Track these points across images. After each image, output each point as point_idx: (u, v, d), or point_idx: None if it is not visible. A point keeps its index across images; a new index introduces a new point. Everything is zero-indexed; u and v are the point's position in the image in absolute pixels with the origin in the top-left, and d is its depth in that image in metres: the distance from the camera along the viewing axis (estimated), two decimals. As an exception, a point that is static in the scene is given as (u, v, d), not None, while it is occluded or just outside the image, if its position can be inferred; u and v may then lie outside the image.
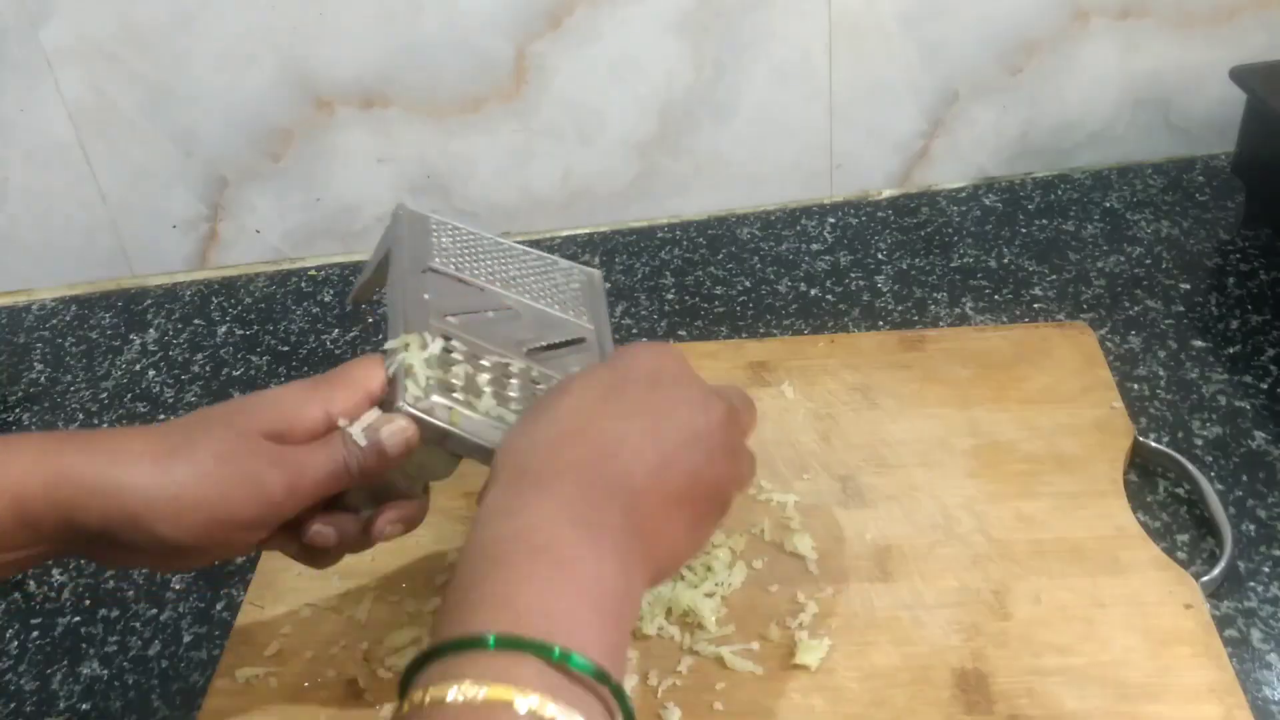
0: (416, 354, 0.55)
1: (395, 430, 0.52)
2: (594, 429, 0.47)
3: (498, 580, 0.41)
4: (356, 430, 0.52)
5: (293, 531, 0.54)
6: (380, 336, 0.92)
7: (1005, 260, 0.90)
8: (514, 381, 0.56)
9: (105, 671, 0.67)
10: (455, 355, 0.56)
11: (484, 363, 0.56)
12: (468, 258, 0.63)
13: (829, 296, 0.89)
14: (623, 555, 0.43)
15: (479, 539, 0.43)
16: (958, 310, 0.85)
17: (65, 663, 0.68)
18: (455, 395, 0.54)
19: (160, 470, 0.48)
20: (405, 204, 0.65)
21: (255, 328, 0.95)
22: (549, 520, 0.43)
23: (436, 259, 0.61)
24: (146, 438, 0.50)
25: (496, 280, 0.62)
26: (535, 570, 0.41)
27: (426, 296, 0.58)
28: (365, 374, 0.54)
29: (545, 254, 0.66)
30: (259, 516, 0.50)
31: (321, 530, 0.53)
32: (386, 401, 0.53)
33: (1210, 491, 0.66)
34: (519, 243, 0.66)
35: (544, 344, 0.60)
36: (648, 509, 0.45)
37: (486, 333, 0.59)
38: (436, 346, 0.55)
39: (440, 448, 0.54)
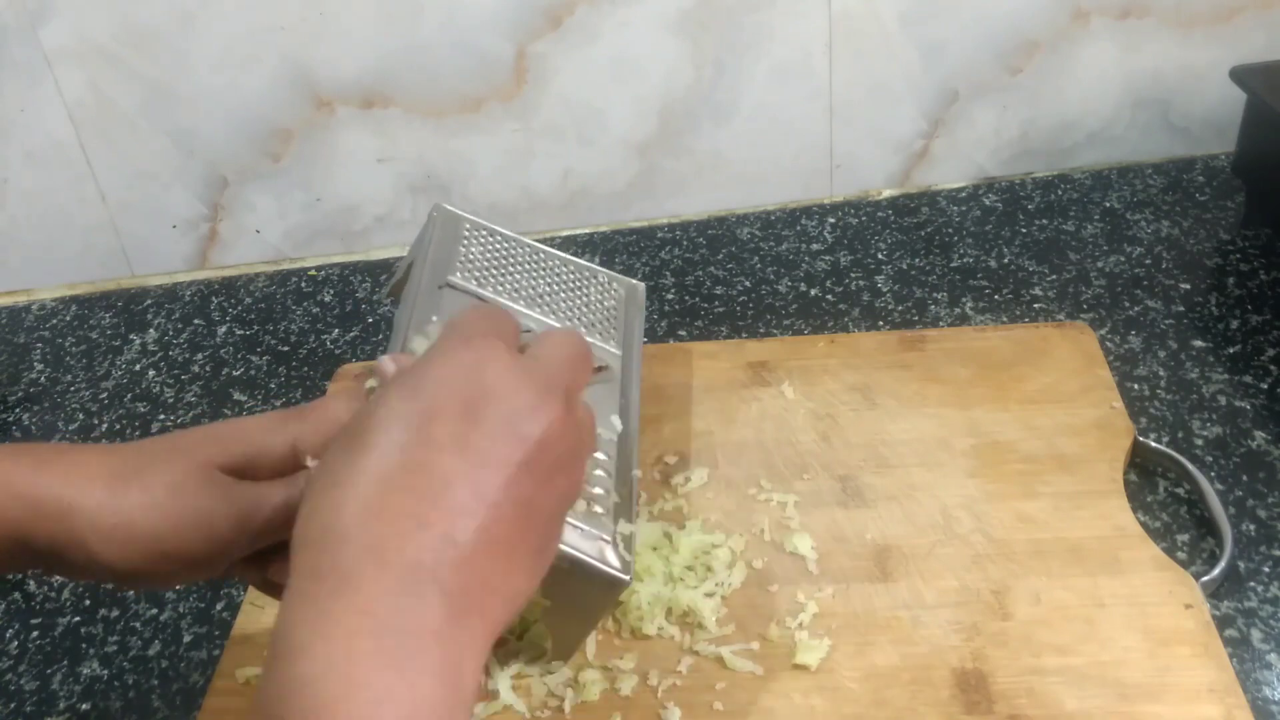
0: None
1: None
2: (401, 491, 0.38)
3: None
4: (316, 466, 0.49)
5: (257, 563, 0.52)
6: (380, 337, 0.92)
7: (1005, 260, 0.90)
8: None
9: (105, 671, 0.67)
10: None
11: None
12: (494, 270, 0.60)
13: (829, 296, 0.89)
14: (445, 661, 0.36)
15: (272, 689, 0.35)
16: (958, 310, 0.85)
17: (65, 663, 0.68)
18: None
19: (110, 495, 0.47)
20: (444, 204, 0.62)
21: (255, 328, 0.95)
22: (346, 655, 0.35)
23: (458, 273, 0.59)
24: (104, 459, 0.48)
25: (521, 297, 0.60)
26: None
27: (435, 319, 0.57)
28: (343, 410, 0.51)
29: (585, 264, 0.63)
30: (207, 554, 0.48)
31: (284, 568, 0.52)
32: None
33: (1210, 491, 0.66)
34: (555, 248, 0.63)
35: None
36: (479, 571, 0.38)
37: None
38: None
39: None
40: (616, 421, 0.59)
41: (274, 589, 0.54)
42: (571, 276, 0.63)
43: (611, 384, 0.60)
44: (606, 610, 0.57)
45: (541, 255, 0.63)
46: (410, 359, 0.45)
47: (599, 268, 0.64)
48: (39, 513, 0.46)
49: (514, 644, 0.61)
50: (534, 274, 0.61)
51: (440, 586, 0.37)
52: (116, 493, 0.47)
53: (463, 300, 0.58)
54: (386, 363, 0.47)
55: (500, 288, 0.60)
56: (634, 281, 0.65)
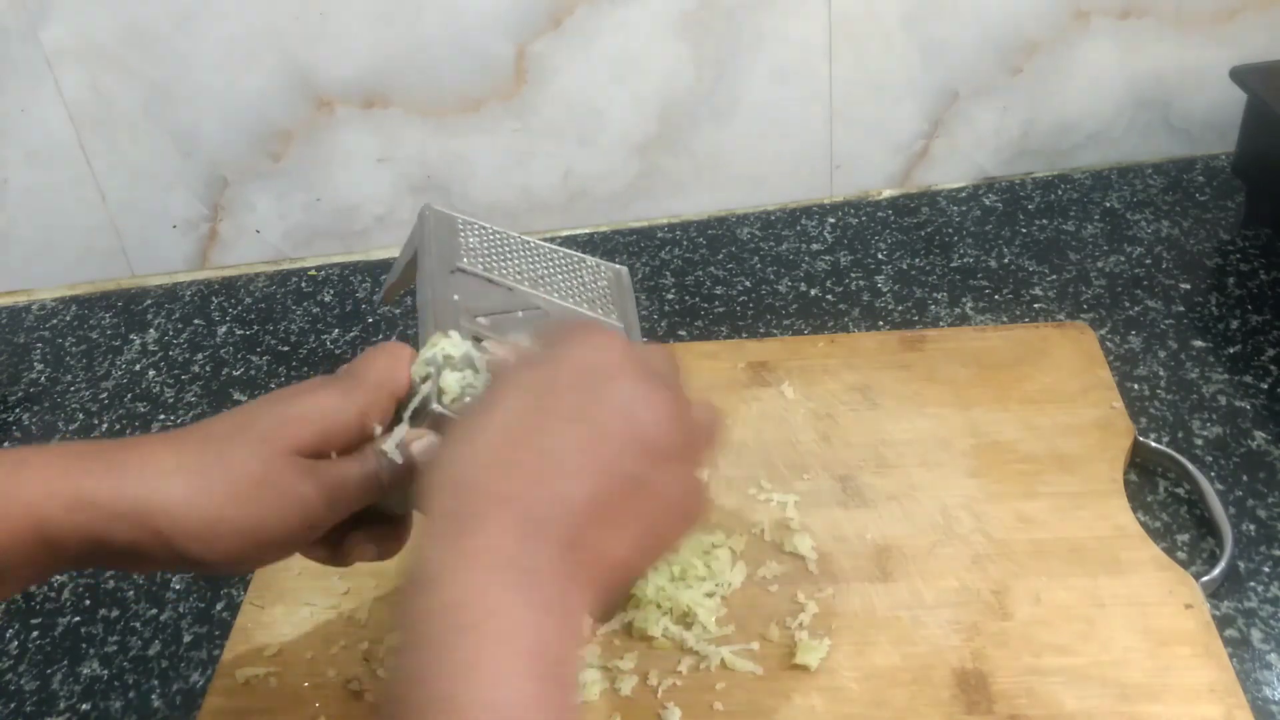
0: (450, 351, 0.53)
1: (427, 446, 0.51)
2: (524, 449, 0.43)
3: (439, 674, 0.37)
4: (390, 445, 0.51)
5: (322, 540, 0.53)
6: (381, 336, 0.92)
7: (1005, 260, 0.90)
8: None
9: (105, 671, 0.67)
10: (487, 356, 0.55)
11: None
12: (495, 257, 0.62)
13: (829, 296, 0.89)
14: (562, 601, 0.40)
15: (414, 614, 0.40)
16: (958, 310, 0.85)
17: (65, 663, 0.68)
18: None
19: (193, 491, 0.47)
20: (432, 204, 0.64)
21: (255, 328, 0.95)
22: (480, 585, 0.39)
23: (464, 259, 0.60)
24: (178, 453, 0.48)
25: (525, 279, 0.61)
26: (472, 655, 0.38)
27: (456, 297, 0.58)
28: (389, 371, 0.53)
29: (572, 252, 0.65)
30: (297, 535, 0.49)
31: (366, 546, 0.54)
32: (420, 404, 0.52)
33: (1210, 491, 0.66)
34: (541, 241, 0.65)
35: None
36: (589, 533, 0.42)
37: (517, 333, 0.58)
38: (467, 347, 0.54)
39: None
40: None
41: (339, 558, 0.54)
42: (562, 262, 0.64)
43: None
44: None
45: (531, 245, 0.65)
46: (527, 349, 0.48)
47: (585, 255, 0.66)
48: (115, 515, 0.46)
49: None
50: (531, 261, 0.63)
51: (555, 537, 0.41)
52: (200, 490, 0.47)
53: (475, 283, 0.59)
54: (508, 351, 0.51)
55: (504, 273, 0.61)
56: (618, 267, 0.66)
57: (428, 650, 0.38)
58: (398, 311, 0.94)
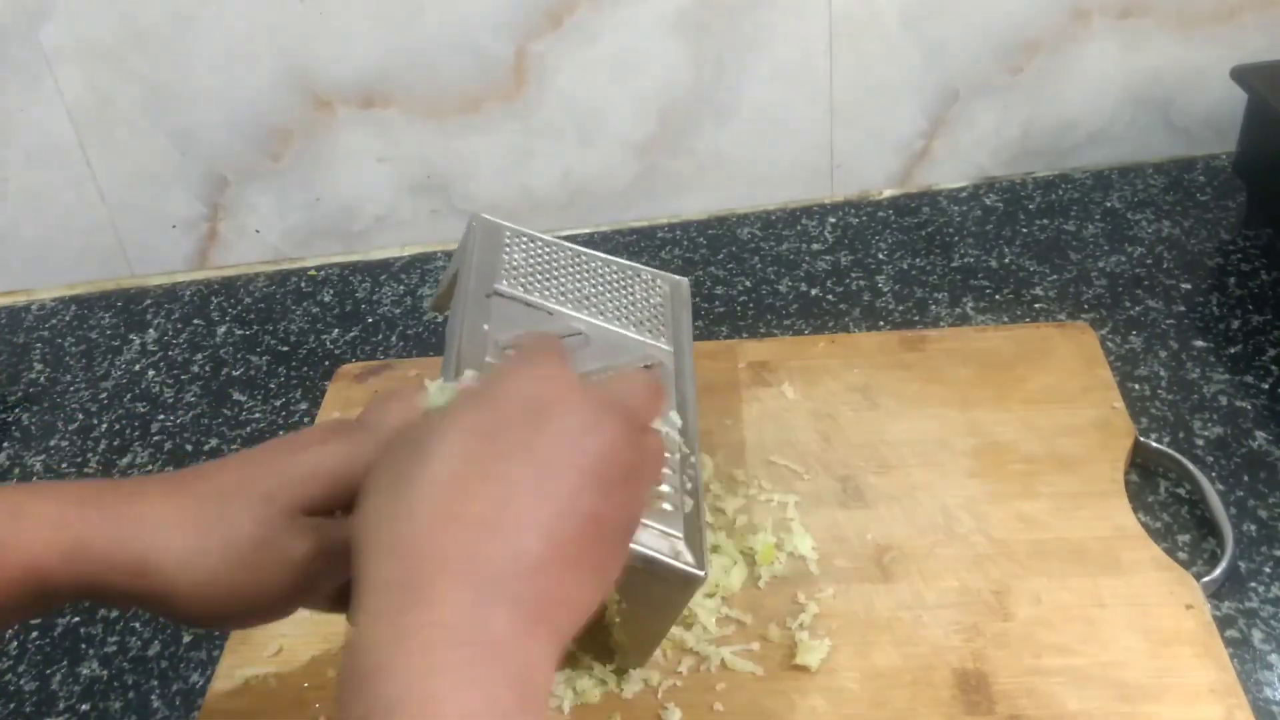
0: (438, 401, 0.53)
1: None
2: (472, 499, 0.39)
3: None
4: None
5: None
6: (380, 337, 0.92)
7: (1006, 260, 0.90)
8: None
9: (105, 671, 0.67)
10: None
11: None
12: (539, 275, 0.60)
13: (829, 296, 0.89)
14: (521, 666, 0.37)
15: (351, 712, 0.35)
16: (958, 310, 0.85)
17: (65, 663, 0.68)
18: None
19: (190, 550, 0.45)
20: (481, 215, 0.62)
21: (255, 328, 0.95)
22: (424, 672, 0.35)
23: (504, 281, 0.59)
24: (178, 506, 0.46)
25: (568, 300, 0.60)
26: None
27: (486, 327, 0.57)
28: (401, 421, 0.49)
29: (628, 264, 0.64)
30: (294, 596, 0.48)
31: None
32: None
33: (1211, 492, 0.66)
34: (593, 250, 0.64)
35: (611, 372, 0.59)
36: (544, 583, 0.38)
37: None
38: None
39: None
40: (675, 417, 0.59)
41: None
42: (615, 276, 0.63)
43: (665, 381, 0.60)
44: (681, 607, 0.57)
45: (584, 258, 0.63)
46: (467, 385, 0.45)
47: (642, 266, 0.64)
48: (112, 566, 0.45)
49: (582, 656, 0.61)
50: (578, 277, 0.62)
51: (511, 596, 0.37)
52: (197, 549, 0.45)
53: (511, 307, 0.58)
54: (469, 377, 0.47)
55: (547, 292, 0.60)
56: (677, 278, 0.65)
57: None
58: (398, 312, 0.94)
